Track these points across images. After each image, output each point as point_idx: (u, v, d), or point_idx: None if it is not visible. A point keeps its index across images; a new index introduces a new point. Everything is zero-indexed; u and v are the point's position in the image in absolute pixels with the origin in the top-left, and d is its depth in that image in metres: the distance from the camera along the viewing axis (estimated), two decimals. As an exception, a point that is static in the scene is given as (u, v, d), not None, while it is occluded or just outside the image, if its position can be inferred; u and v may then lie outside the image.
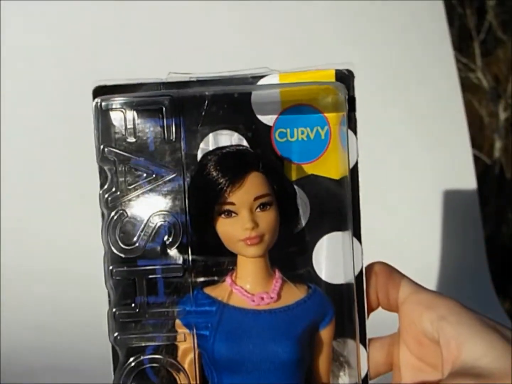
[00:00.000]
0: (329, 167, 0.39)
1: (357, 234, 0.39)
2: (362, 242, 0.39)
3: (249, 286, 0.37)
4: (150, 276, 0.37)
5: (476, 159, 1.17)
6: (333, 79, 0.38)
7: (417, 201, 1.08)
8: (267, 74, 0.38)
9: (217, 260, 0.38)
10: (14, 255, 1.01)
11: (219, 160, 0.36)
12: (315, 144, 0.38)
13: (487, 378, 0.33)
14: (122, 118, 0.37)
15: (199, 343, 0.37)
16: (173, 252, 0.37)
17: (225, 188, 0.35)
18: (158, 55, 1.01)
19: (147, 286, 0.37)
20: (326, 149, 0.39)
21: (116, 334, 0.37)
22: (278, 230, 0.37)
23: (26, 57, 1.05)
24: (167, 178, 0.37)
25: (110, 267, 0.37)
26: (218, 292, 0.37)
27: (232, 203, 0.36)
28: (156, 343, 0.37)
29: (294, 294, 0.38)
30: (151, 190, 0.37)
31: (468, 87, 1.20)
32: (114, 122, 0.37)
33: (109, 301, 0.37)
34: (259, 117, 0.38)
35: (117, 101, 0.37)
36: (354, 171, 0.39)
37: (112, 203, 0.37)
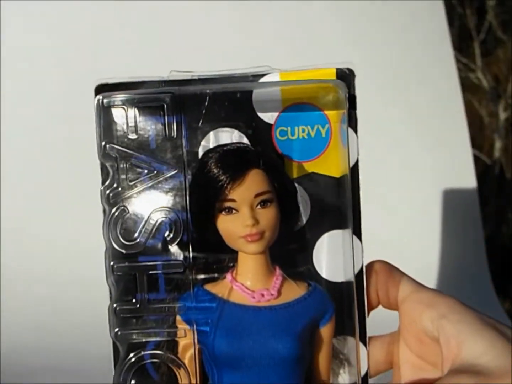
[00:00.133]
0: (329, 165, 0.39)
1: (357, 232, 0.39)
2: (363, 242, 0.39)
3: (249, 282, 0.37)
4: (151, 272, 0.37)
5: (476, 159, 1.17)
6: (334, 78, 0.38)
7: (417, 201, 1.08)
8: (268, 72, 0.39)
9: (218, 257, 0.38)
10: (14, 255, 1.01)
11: (220, 158, 0.36)
12: (316, 142, 0.39)
13: (487, 376, 0.33)
14: (123, 115, 0.37)
15: (200, 339, 0.37)
16: (174, 248, 0.37)
17: (225, 185, 0.36)
18: (159, 54, 1.01)
19: (148, 282, 0.37)
20: (327, 147, 0.39)
21: (116, 329, 0.37)
22: (278, 227, 0.37)
23: (26, 57, 1.05)
24: (168, 175, 0.37)
25: (111, 263, 0.37)
26: (218, 288, 0.37)
27: (233, 200, 0.36)
28: (157, 339, 0.37)
29: (295, 291, 0.38)
30: (152, 187, 0.37)
31: (468, 87, 1.21)
32: (116, 119, 0.37)
33: (110, 297, 0.37)
34: (260, 115, 0.38)
35: (119, 98, 0.37)
36: (354, 169, 0.39)
37: (114, 199, 0.37)
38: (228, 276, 0.38)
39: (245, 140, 0.38)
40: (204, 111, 0.37)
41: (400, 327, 0.40)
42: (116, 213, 0.37)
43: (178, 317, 0.37)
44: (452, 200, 1.10)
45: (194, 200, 0.37)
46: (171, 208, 0.37)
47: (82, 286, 0.94)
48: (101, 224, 0.37)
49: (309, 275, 0.39)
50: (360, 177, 0.39)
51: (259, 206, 0.36)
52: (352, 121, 0.39)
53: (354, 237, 0.39)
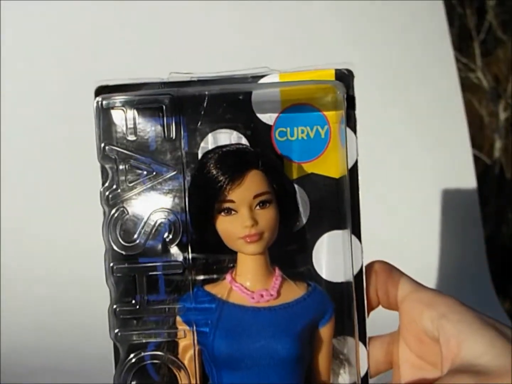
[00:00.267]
0: (329, 166, 0.39)
1: (356, 233, 0.39)
2: (362, 242, 0.39)
3: (249, 283, 0.37)
4: (151, 273, 0.37)
5: (476, 159, 1.17)
6: (333, 79, 0.38)
7: (417, 201, 1.08)
8: (267, 74, 0.39)
9: (217, 258, 0.38)
10: (14, 255, 1.01)
11: (219, 159, 0.36)
12: (315, 143, 0.39)
13: (487, 376, 0.33)
14: (123, 116, 0.37)
15: (199, 340, 0.37)
16: (173, 249, 0.37)
17: (224, 186, 0.36)
18: (158, 55, 1.01)
19: (147, 283, 0.37)
20: (326, 148, 0.39)
21: (117, 330, 0.37)
22: (277, 228, 0.37)
23: (26, 57, 1.05)
24: (168, 176, 0.37)
25: (111, 264, 0.37)
26: (218, 289, 0.37)
27: (232, 201, 0.36)
28: (157, 340, 0.37)
29: (294, 291, 0.38)
30: (151, 188, 0.37)
31: (468, 87, 1.21)
32: (115, 121, 0.37)
33: (110, 298, 0.37)
34: (259, 116, 0.38)
35: (118, 99, 0.37)
36: (354, 170, 0.39)
37: (113, 200, 0.37)
38: (228, 277, 0.38)
39: (244, 141, 0.38)
40: (203, 112, 0.37)
41: (400, 327, 0.40)
42: (116, 215, 0.37)
43: (178, 318, 0.37)
44: (452, 200, 1.10)
45: (193, 201, 0.37)
46: (170, 209, 0.37)
47: (82, 286, 0.94)
48: (100, 225, 0.37)
49: (309, 275, 0.39)
50: (360, 177, 0.39)
51: (258, 207, 0.36)
52: (351, 122, 0.39)
53: (354, 237, 0.39)
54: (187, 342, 0.37)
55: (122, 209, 0.37)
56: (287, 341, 0.36)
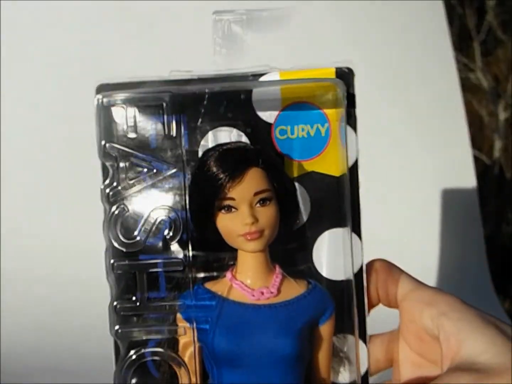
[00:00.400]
0: (329, 164, 0.39)
1: (357, 231, 0.39)
2: (363, 242, 0.39)
3: (249, 281, 0.37)
4: (151, 270, 0.37)
5: (476, 159, 1.16)
6: (334, 77, 0.38)
7: (417, 201, 1.08)
8: (267, 72, 0.39)
9: (218, 255, 0.38)
10: (14, 255, 1.01)
11: (219, 156, 0.36)
12: (316, 141, 0.39)
13: (487, 374, 0.33)
14: (123, 114, 0.37)
15: (199, 337, 0.37)
16: (174, 247, 0.37)
17: (225, 183, 0.36)
18: (159, 53, 1.01)
19: (148, 280, 0.37)
20: (327, 146, 0.39)
21: (117, 327, 0.37)
22: (278, 226, 0.37)
23: (26, 57, 1.05)
24: (168, 174, 0.37)
25: (112, 261, 0.37)
26: (218, 287, 0.37)
27: (232, 199, 0.36)
28: (157, 337, 0.37)
29: (294, 289, 0.38)
30: (152, 186, 0.37)
31: (468, 87, 1.20)
32: (116, 119, 0.37)
33: (111, 295, 0.37)
34: (260, 114, 0.38)
35: (118, 97, 0.37)
36: (354, 168, 0.39)
37: (114, 198, 0.37)
38: (228, 274, 0.38)
39: (244, 139, 0.38)
40: (203, 110, 0.37)
41: (400, 325, 0.40)
42: (116, 212, 0.37)
43: (179, 315, 0.37)
44: (452, 200, 1.10)
45: (194, 198, 0.37)
46: (170, 207, 0.37)
47: (82, 286, 0.94)
48: (101, 224, 0.37)
49: (309, 273, 0.39)
50: (360, 177, 0.39)
51: (258, 205, 0.36)
52: (351, 120, 0.39)
53: (354, 235, 0.39)
54: (187, 339, 0.37)
55: (122, 206, 0.37)
56: (287, 338, 0.36)
